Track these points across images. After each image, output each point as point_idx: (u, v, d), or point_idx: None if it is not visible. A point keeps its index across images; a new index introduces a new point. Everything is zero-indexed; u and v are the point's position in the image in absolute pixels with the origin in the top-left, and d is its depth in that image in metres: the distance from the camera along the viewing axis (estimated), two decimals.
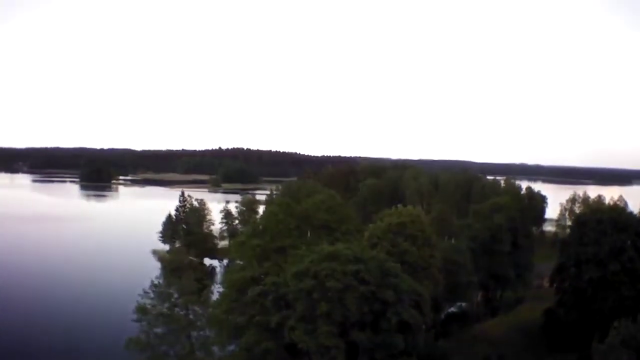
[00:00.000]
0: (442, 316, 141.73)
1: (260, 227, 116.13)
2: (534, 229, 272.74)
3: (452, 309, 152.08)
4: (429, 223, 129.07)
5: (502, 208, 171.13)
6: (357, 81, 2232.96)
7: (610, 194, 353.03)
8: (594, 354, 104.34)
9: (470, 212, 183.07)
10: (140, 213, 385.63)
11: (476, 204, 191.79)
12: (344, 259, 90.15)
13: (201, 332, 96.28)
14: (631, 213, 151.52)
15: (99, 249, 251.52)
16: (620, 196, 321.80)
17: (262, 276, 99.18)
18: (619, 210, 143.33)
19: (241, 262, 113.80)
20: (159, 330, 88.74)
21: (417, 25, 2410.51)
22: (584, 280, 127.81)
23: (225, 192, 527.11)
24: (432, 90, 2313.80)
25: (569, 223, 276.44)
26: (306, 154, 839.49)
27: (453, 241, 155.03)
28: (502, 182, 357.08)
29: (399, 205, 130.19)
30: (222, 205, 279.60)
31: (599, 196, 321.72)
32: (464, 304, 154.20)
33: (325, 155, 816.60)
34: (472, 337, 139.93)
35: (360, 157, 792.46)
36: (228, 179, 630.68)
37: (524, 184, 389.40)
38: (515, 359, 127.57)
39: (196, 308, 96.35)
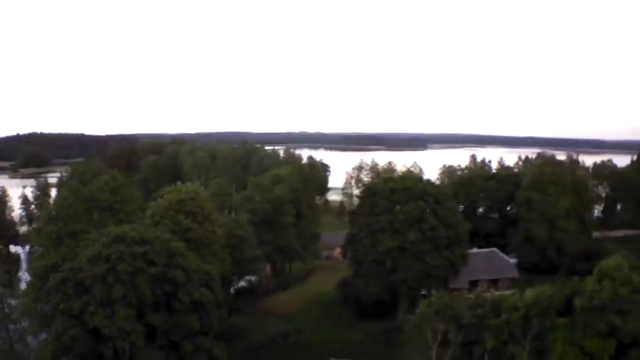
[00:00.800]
0: (232, 292, 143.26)
1: (54, 212, 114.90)
2: (318, 198, 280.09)
3: (242, 284, 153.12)
4: (208, 198, 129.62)
5: (282, 179, 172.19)
6: (131, 59, 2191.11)
7: (403, 159, 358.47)
8: (404, 324, 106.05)
9: (249, 185, 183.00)
10: None
11: (256, 176, 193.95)
12: (131, 240, 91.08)
13: (17, 325, 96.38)
14: (429, 181, 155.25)
15: None
16: (415, 162, 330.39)
17: (60, 262, 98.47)
18: (415, 179, 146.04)
19: (41, 249, 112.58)
20: None
21: None
22: (380, 250, 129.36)
23: (23, 177, 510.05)
24: (200, 62, 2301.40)
25: (356, 191, 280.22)
26: (92, 134, 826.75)
27: (234, 215, 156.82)
28: (282, 152, 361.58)
29: (178, 182, 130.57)
30: (20, 191, 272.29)
31: (390, 163, 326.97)
32: (253, 278, 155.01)
33: (109, 134, 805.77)
34: (265, 312, 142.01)
35: (141, 134, 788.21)
36: (25, 164, 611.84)
37: (305, 153, 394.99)
38: (315, 332, 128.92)
39: (10, 300, 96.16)
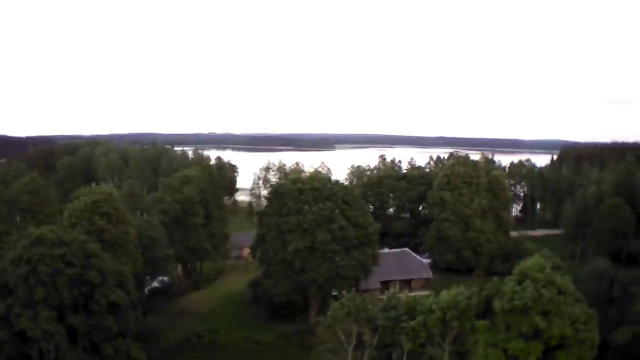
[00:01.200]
0: (147, 292, 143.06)
1: None
2: (226, 199, 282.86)
3: (155, 284, 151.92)
4: (121, 199, 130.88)
5: (191, 180, 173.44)
6: (48, 60, 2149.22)
7: (311, 160, 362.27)
8: (317, 326, 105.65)
9: (159, 186, 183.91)
10: None
11: (166, 177, 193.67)
12: (50, 242, 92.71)
13: None
14: (337, 181, 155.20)
15: None
16: (323, 163, 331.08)
17: None
18: (323, 180, 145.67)
19: None
20: None
21: None
22: (289, 250, 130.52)
23: None
24: (113, 63, 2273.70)
25: (264, 192, 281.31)
26: (13, 135, 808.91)
27: (145, 216, 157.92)
28: (191, 153, 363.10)
29: (92, 184, 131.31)
30: None
31: (297, 163, 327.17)
32: (166, 279, 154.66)
33: (29, 136, 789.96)
34: (179, 312, 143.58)
35: (59, 135, 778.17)
36: None
37: (214, 154, 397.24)
38: (228, 333, 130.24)
39: None
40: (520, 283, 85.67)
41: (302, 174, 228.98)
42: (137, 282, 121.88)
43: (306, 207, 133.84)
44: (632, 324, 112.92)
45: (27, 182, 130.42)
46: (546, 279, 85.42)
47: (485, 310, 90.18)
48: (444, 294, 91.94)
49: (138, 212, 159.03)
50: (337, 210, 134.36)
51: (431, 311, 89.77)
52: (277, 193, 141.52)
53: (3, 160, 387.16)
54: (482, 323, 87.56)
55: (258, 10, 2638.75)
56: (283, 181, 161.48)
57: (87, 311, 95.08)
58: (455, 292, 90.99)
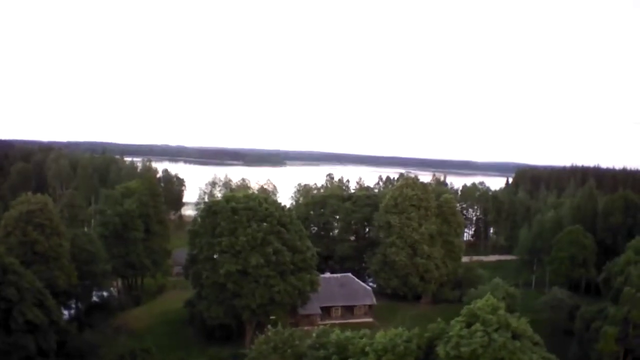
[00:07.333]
0: (82, 306, 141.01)
1: None
2: (172, 213, 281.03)
3: (95, 299, 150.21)
4: (61, 209, 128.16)
5: (133, 193, 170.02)
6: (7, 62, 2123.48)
7: (259, 176, 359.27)
8: (247, 356, 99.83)
9: (101, 197, 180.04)
10: None
11: (112, 188, 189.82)
12: None
13: None
14: (275, 201, 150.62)
15: None
16: (269, 179, 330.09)
17: None
18: (258, 199, 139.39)
19: None
20: None
21: None
22: (221, 273, 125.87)
23: None
24: (73, 69, 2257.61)
25: None
26: None
27: (86, 229, 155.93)
28: (140, 164, 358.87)
29: (29, 193, 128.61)
30: None
31: (243, 179, 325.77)
32: (105, 294, 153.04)
33: None
34: (116, 328, 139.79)
35: (17, 140, 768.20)
36: None
37: (164, 166, 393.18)
38: (162, 352, 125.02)
39: None
40: (469, 326, 78.76)
41: (249, 191, 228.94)
42: (71, 296, 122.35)
43: (240, 229, 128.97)
44: None
45: None
46: (499, 321, 78.26)
47: (427, 356, 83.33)
48: (379, 336, 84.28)
49: (79, 224, 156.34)
50: (272, 233, 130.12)
51: (364, 353, 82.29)
52: (210, 211, 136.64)
53: None
54: None
55: (213, 22, 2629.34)
56: (216, 199, 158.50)
57: (5, 329, 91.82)
58: (393, 334, 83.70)
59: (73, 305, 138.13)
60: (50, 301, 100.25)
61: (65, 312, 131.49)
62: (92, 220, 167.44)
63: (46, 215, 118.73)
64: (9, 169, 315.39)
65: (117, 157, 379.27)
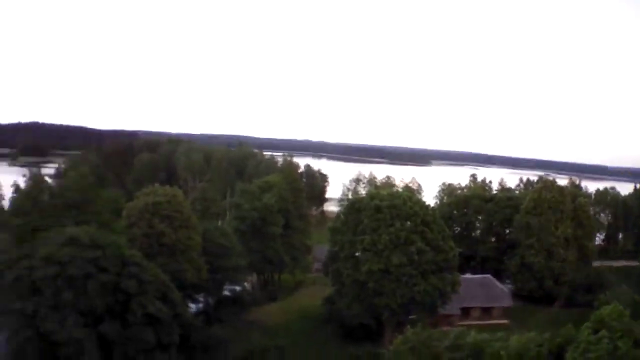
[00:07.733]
0: (211, 301, 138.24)
1: (19, 205, 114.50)
2: (314, 208, 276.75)
3: (226, 293, 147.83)
4: (190, 203, 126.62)
5: (272, 187, 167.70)
6: (139, 53, 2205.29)
7: (404, 174, 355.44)
8: (384, 357, 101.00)
9: (237, 191, 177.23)
10: None
11: (250, 182, 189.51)
12: (82, 243, 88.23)
13: None
14: (419, 200, 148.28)
15: None
16: (414, 178, 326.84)
17: (16, 259, 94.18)
18: (403, 197, 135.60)
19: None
20: None
21: None
22: (362, 271, 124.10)
23: (23, 165, 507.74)
24: (209, 64, 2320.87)
25: None
26: (94, 127, 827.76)
27: (220, 222, 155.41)
28: (281, 159, 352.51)
29: (156, 184, 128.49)
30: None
31: (388, 177, 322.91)
32: (237, 288, 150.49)
33: (111, 129, 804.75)
34: (248, 324, 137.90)
35: (143, 131, 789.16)
36: (25, 152, 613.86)
37: (307, 161, 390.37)
38: (296, 350, 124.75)
39: None
40: (596, 332, 75.65)
41: (393, 188, 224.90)
42: (200, 290, 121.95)
43: (383, 227, 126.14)
44: None
45: (75, 178, 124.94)
46: (623, 328, 74.69)
47: None
48: (514, 339, 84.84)
49: (213, 217, 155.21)
50: (416, 232, 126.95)
51: (498, 358, 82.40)
52: (353, 208, 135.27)
53: (78, 152, 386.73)
54: None
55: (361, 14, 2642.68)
56: (360, 196, 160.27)
57: (122, 321, 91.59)
58: (526, 339, 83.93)
59: (201, 299, 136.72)
60: (174, 294, 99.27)
61: (193, 306, 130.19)
62: (227, 214, 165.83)
63: (175, 207, 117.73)
64: (132, 160, 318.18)
65: (256, 150, 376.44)
